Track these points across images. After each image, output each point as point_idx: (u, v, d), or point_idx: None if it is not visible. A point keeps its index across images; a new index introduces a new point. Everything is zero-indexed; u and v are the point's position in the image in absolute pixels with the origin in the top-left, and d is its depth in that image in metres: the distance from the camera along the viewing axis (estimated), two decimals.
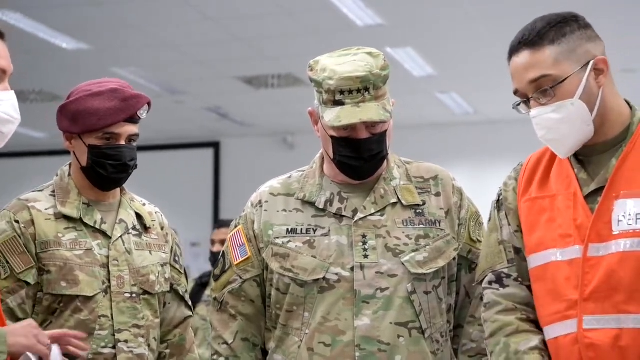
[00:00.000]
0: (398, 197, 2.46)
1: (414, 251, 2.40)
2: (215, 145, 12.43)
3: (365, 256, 2.38)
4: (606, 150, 2.07)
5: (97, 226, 2.65)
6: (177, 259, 2.82)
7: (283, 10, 7.30)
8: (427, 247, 2.42)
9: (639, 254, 1.95)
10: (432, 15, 7.45)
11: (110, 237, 2.65)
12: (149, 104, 2.67)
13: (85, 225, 2.64)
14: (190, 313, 2.85)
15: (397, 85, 12.03)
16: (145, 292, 2.66)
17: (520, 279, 2.17)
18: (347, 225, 2.42)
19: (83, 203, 2.66)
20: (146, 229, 2.75)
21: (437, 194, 2.49)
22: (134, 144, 2.67)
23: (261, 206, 2.52)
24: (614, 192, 2.01)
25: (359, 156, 2.39)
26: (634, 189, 1.99)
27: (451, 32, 7.92)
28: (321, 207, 2.45)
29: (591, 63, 2.03)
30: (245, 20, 7.56)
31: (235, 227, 2.56)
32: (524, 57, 2.05)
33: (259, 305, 2.50)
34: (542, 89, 2.03)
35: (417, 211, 2.46)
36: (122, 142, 2.64)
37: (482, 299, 2.25)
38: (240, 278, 2.50)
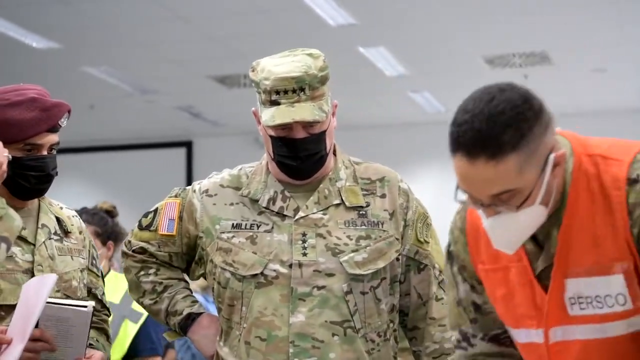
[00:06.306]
0: (342, 199, 2.49)
1: (353, 251, 2.43)
2: (188, 145, 12.40)
3: (304, 254, 2.41)
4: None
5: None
6: (94, 262, 2.77)
7: (256, 10, 7.29)
8: (368, 247, 2.44)
9: (599, 342, 1.82)
10: (404, 14, 7.47)
11: (32, 243, 2.57)
12: (69, 111, 2.60)
13: None
14: (108, 313, 2.80)
15: (369, 84, 11.99)
16: (68, 298, 2.58)
17: (486, 337, 2.05)
18: (289, 224, 2.45)
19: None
20: (66, 233, 2.69)
21: (383, 196, 2.52)
22: (55, 152, 2.60)
23: (210, 197, 2.54)
24: (562, 270, 1.82)
25: (295, 155, 2.42)
26: (581, 266, 1.80)
27: (423, 32, 7.95)
28: (264, 205, 2.48)
29: (550, 160, 1.75)
30: (218, 19, 7.54)
31: (176, 197, 2.60)
32: (483, 169, 1.70)
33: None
34: (503, 202, 1.75)
35: (360, 212, 2.49)
36: (44, 152, 2.57)
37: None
38: (159, 246, 2.58)
